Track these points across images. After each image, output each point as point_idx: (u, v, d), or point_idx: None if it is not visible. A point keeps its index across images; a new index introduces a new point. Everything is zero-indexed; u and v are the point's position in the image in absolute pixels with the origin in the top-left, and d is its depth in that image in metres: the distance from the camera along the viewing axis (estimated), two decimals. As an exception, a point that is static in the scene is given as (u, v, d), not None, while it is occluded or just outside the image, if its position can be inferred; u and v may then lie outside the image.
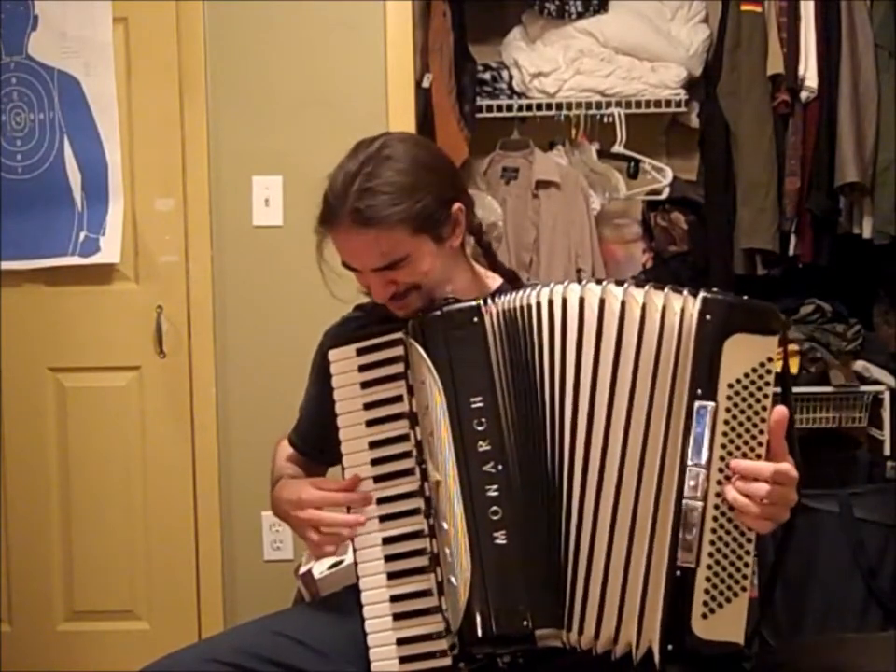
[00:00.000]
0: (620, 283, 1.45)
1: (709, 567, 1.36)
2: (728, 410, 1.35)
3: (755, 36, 2.99)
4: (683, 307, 1.40)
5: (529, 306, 1.48)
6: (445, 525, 1.48)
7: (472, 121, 3.13)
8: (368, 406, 1.59)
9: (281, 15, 2.86)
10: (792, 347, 3.04)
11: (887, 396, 3.06)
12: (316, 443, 1.79)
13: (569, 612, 1.44)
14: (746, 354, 1.35)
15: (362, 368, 1.59)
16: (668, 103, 3.19)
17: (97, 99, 2.81)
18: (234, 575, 2.94)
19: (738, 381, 1.35)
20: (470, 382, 1.48)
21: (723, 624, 1.36)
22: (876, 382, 3.08)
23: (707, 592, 1.36)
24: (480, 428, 1.47)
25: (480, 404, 1.48)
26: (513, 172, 3.22)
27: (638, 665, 1.41)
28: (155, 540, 2.92)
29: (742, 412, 1.35)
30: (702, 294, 1.39)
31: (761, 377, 1.35)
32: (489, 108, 3.19)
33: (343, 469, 1.61)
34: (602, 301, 1.43)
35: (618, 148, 3.18)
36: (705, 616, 1.36)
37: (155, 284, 2.89)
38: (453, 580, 1.47)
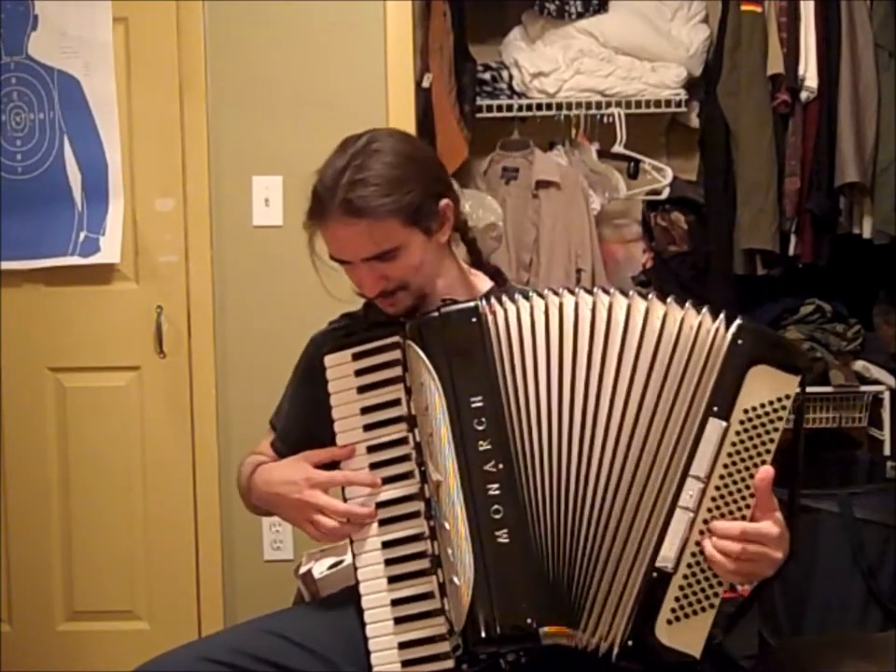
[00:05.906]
0: (642, 295, 1.49)
1: (685, 577, 1.40)
2: (738, 433, 1.40)
3: (755, 36, 2.98)
4: (718, 328, 1.44)
5: (536, 307, 1.49)
6: (447, 525, 1.48)
7: (472, 121, 3.13)
8: (365, 410, 1.58)
9: (281, 15, 2.86)
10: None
11: (887, 396, 3.06)
12: (302, 449, 1.77)
13: (576, 609, 1.45)
14: (766, 385, 1.40)
15: (358, 372, 1.59)
16: (668, 103, 3.19)
17: (97, 99, 2.81)
18: (234, 575, 2.94)
19: (754, 408, 1.40)
20: (470, 382, 1.49)
21: (686, 634, 1.40)
22: (876, 382, 3.08)
23: (677, 599, 1.40)
24: (480, 428, 1.47)
25: (479, 404, 1.48)
26: (513, 172, 3.22)
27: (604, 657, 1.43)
28: (155, 540, 2.92)
29: (751, 438, 1.40)
30: (738, 321, 1.43)
31: (775, 410, 1.40)
32: (489, 108, 3.19)
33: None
34: (628, 308, 1.47)
35: (618, 148, 3.18)
36: (670, 622, 1.40)
37: (155, 284, 2.89)
38: (455, 580, 1.46)
